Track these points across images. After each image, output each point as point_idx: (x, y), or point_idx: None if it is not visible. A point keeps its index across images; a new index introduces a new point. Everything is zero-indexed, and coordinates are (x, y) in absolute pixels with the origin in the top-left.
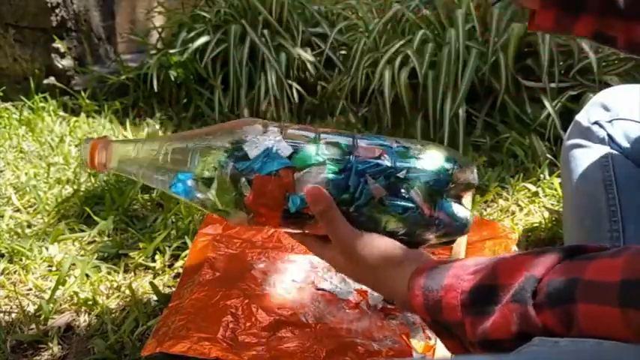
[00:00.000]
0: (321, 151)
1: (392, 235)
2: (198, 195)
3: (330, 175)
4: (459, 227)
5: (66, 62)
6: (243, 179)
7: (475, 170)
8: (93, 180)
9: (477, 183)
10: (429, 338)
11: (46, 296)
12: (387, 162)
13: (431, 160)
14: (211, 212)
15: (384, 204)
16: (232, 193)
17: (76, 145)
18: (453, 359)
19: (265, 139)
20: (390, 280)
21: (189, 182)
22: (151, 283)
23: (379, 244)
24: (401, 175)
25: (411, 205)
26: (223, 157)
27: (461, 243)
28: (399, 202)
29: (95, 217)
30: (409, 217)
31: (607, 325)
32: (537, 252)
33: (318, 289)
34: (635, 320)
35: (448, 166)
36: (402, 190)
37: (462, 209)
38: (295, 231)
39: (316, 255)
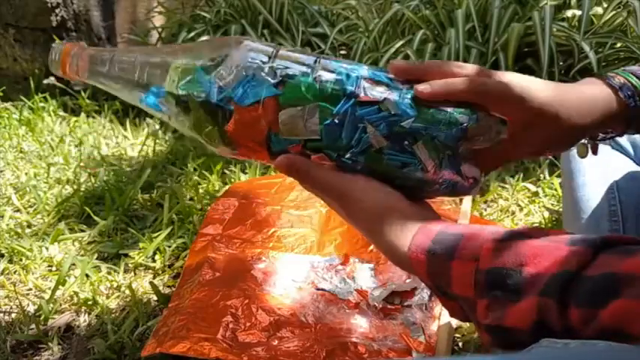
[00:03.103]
0: (314, 87)
1: (390, 183)
2: (172, 116)
3: (323, 120)
4: (466, 188)
5: None
6: (221, 112)
7: (495, 126)
8: (93, 180)
9: (493, 141)
10: (429, 337)
11: (46, 296)
12: (391, 107)
13: (446, 109)
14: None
15: (383, 154)
16: (210, 125)
17: (76, 145)
18: (453, 359)
19: (252, 60)
20: (388, 233)
21: (162, 99)
22: (151, 283)
23: (376, 192)
24: (406, 124)
25: (412, 160)
26: (199, 79)
27: (469, 200)
28: (399, 156)
29: (95, 217)
30: (409, 173)
31: (634, 320)
32: (568, 240)
33: (318, 289)
34: None
35: (463, 119)
36: (405, 143)
37: (472, 169)
38: None
39: (315, 195)
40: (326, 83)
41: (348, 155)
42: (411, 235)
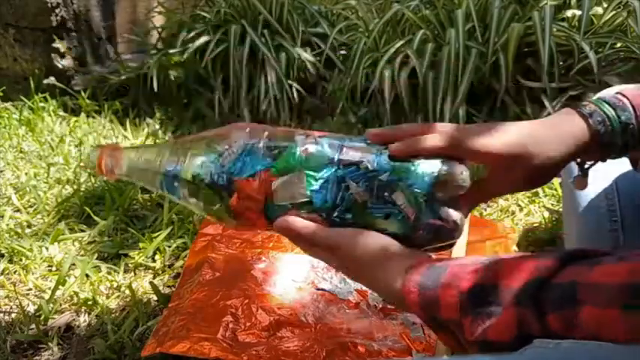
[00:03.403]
0: (301, 157)
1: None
2: (187, 199)
3: (309, 185)
4: (448, 232)
5: (66, 62)
6: (224, 189)
7: (465, 172)
8: (93, 180)
9: (467, 185)
10: (429, 337)
11: (46, 296)
12: (369, 165)
13: (417, 161)
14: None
15: (367, 208)
16: (217, 203)
17: (76, 145)
18: (453, 359)
19: (249, 139)
20: (383, 276)
21: (176, 184)
22: (151, 283)
23: (369, 241)
24: (383, 177)
25: (393, 210)
26: (207, 163)
27: (460, 244)
28: (381, 207)
29: (95, 217)
30: (393, 222)
31: (609, 327)
32: (539, 255)
33: (318, 289)
34: (637, 324)
35: (434, 167)
36: (386, 194)
37: (452, 212)
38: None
39: (310, 255)
40: (311, 153)
41: (336, 213)
42: (402, 274)
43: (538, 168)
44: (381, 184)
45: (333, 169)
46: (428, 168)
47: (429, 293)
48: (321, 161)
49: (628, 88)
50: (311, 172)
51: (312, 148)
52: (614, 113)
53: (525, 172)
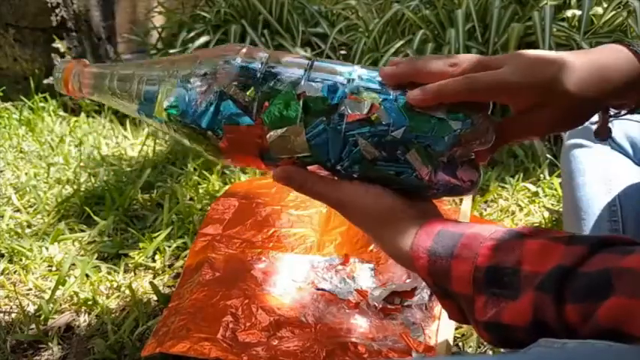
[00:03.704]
0: (297, 106)
1: (388, 187)
2: (168, 130)
3: (310, 139)
4: (463, 189)
5: None
6: (211, 132)
7: (491, 128)
8: (93, 180)
9: (491, 142)
10: (429, 337)
11: (46, 296)
12: (382, 117)
13: (437, 115)
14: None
15: (375, 165)
16: (203, 143)
17: (76, 145)
18: (453, 359)
19: (239, 77)
20: (392, 236)
21: (156, 116)
22: (151, 283)
23: (377, 199)
24: (397, 134)
25: (406, 168)
26: (185, 100)
27: (469, 200)
28: (392, 166)
29: (95, 217)
30: (404, 180)
31: (634, 318)
32: (566, 239)
33: (318, 289)
34: None
35: (456, 125)
36: (398, 152)
37: (469, 171)
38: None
39: (317, 199)
40: (310, 99)
41: (341, 166)
42: (412, 235)
43: (571, 109)
44: (395, 141)
45: (337, 121)
46: (450, 125)
47: (440, 262)
48: (321, 109)
49: None
50: (310, 123)
51: (311, 91)
52: None
53: (556, 113)
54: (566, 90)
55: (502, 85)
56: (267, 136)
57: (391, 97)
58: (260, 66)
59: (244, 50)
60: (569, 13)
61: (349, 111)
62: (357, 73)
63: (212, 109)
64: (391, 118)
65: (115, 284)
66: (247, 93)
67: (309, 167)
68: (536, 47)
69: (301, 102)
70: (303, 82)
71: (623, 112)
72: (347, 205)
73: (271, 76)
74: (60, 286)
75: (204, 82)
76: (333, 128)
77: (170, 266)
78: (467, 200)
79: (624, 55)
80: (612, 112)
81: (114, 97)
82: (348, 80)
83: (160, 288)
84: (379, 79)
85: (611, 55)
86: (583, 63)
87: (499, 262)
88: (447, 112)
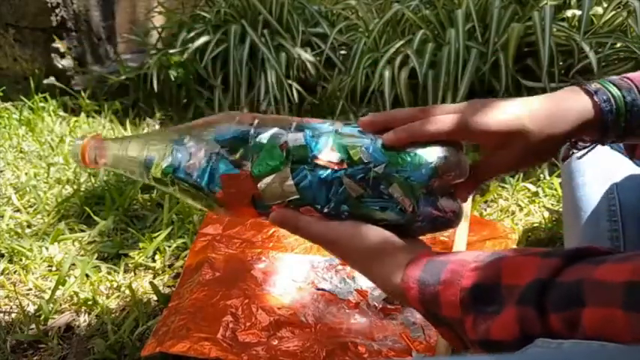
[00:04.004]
0: (281, 154)
1: (377, 224)
2: (175, 191)
3: (298, 183)
4: (447, 221)
5: (66, 62)
6: (207, 189)
7: (464, 159)
8: (93, 180)
9: (466, 173)
10: (429, 337)
11: (46, 296)
12: (363, 156)
13: (413, 151)
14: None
15: (362, 201)
16: (203, 198)
17: None
18: (453, 359)
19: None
20: (383, 270)
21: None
22: (151, 283)
23: (367, 235)
24: (378, 169)
25: (390, 203)
26: (176, 164)
27: (461, 236)
28: (377, 200)
29: (95, 217)
30: (390, 214)
31: (613, 327)
32: (542, 253)
33: (318, 289)
34: (637, 323)
35: (431, 158)
36: (382, 186)
37: (450, 202)
38: None
39: (310, 240)
40: (292, 148)
41: (330, 207)
42: (403, 268)
43: (537, 145)
44: (377, 177)
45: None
46: (425, 158)
47: (429, 290)
48: (305, 155)
49: (632, 74)
50: (296, 169)
51: (294, 141)
52: (619, 93)
53: (524, 150)
54: (527, 131)
55: (471, 125)
56: (258, 185)
57: (371, 139)
58: (251, 131)
59: (238, 118)
60: (569, 13)
61: (330, 156)
62: (337, 125)
63: (209, 167)
64: (372, 157)
65: (115, 284)
66: (238, 153)
67: (301, 209)
68: (537, 47)
69: (284, 151)
70: (285, 135)
71: (588, 146)
72: (338, 243)
73: (258, 135)
74: (60, 286)
75: (201, 146)
76: (317, 172)
77: (170, 266)
78: (467, 202)
79: (579, 97)
80: (580, 145)
81: (126, 166)
82: (329, 130)
83: (160, 288)
84: (359, 128)
85: (566, 97)
86: (544, 105)
87: (481, 280)
88: (422, 147)
